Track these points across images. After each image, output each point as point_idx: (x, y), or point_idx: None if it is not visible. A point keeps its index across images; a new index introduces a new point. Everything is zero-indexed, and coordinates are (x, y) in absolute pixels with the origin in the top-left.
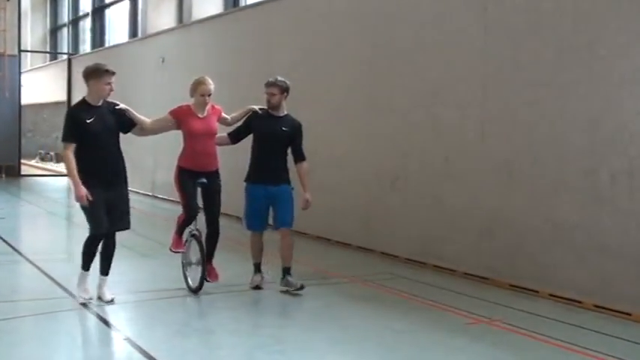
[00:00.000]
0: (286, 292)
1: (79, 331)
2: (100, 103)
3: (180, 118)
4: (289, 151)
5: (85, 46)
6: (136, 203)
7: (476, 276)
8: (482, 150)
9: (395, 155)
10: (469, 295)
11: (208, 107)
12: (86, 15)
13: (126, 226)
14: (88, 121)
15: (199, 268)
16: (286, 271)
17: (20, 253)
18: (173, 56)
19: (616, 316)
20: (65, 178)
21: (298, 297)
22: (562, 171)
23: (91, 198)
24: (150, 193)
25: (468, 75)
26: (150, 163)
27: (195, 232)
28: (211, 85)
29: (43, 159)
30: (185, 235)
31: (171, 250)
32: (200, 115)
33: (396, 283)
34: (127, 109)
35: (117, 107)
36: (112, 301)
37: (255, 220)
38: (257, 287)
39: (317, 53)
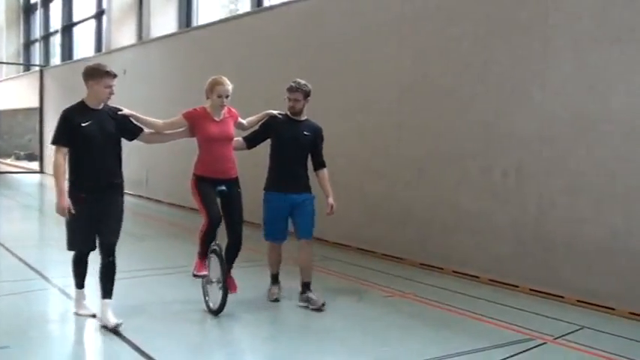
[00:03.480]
0: (306, 307)
1: (49, 309)
2: (99, 107)
3: (194, 121)
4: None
5: (55, 59)
6: None
7: (392, 257)
8: (398, 151)
9: (326, 155)
10: (387, 272)
11: (225, 110)
12: (56, 31)
13: (112, 240)
14: (82, 125)
15: (220, 288)
16: (307, 286)
17: None
18: (134, 69)
19: (507, 288)
20: (38, 175)
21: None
22: (463, 169)
23: (73, 211)
24: None
25: (386, 88)
26: None
27: (215, 247)
28: (229, 85)
29: (17, 158)
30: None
31: (194, 275)
32: (216, 119)
33: (327, 263)
34: (132, 115)
35: (119, 112)
36: (118, 327)
37: (276, 231)
38: (276, 300)
39: (259, 70)
